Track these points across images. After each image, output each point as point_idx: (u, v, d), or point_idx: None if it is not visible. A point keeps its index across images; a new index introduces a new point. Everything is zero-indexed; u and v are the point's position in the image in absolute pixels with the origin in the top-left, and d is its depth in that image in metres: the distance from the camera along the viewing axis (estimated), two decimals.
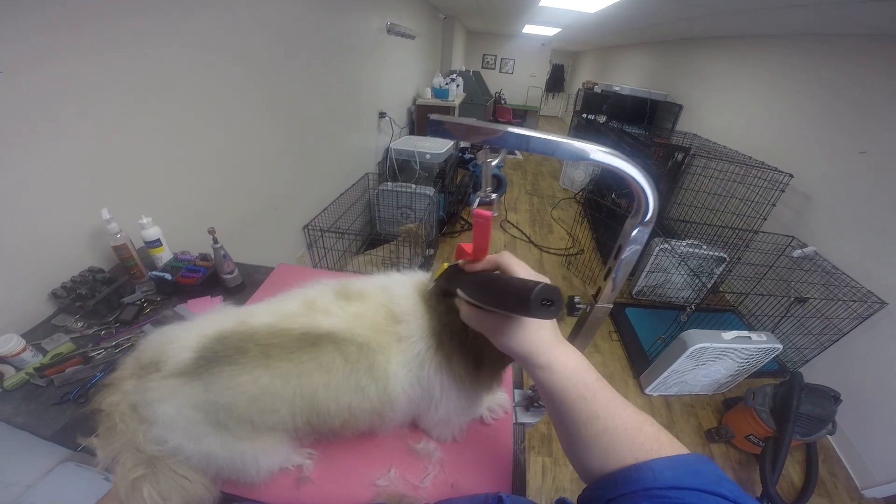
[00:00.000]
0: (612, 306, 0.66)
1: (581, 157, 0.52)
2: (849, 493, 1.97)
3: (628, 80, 6.43)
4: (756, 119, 3.44)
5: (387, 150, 3.76)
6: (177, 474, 0.60)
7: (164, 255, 1.30)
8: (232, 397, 0.58)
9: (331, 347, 0.60)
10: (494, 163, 0.59)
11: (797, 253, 2.53)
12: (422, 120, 4.72)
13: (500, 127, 0.52)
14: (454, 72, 5.85)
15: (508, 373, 0.98)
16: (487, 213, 0.57)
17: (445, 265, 0.61)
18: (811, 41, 2.93)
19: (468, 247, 0.67)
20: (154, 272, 1.22)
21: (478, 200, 0.60)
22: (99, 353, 1.02)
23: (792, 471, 2.01)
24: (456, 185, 4.26)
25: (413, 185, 3.28)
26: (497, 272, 0.53)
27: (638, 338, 2.62)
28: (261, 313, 0.65)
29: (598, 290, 0.66)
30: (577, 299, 0.67)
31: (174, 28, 1.39)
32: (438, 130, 0.53)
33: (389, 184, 3.34)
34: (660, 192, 2.81)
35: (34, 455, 1.15)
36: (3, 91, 0.97)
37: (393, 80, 4.08)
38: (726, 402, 2.29)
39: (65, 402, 0.91)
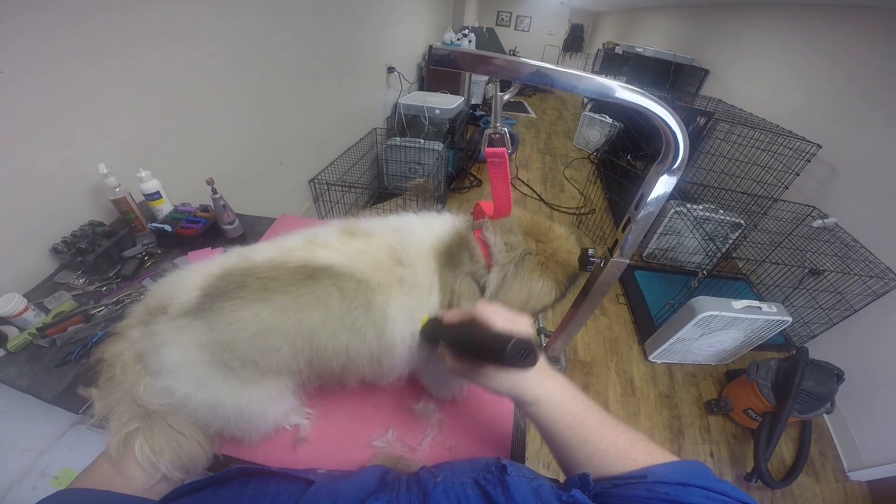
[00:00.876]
0: (627, 262, 0.61)
1: (603, 94, 0.48)
2: (835, 474, 1.96)
3: (652, 42, 6.20)
4: (786, 88, 3.31)
5: (395, 106, 3.68)
6: (172, 429, 0.58)
7: (164, 207, 1.29)
8: (234, 334, 0.56)
9: (328, 281, 0.58)
10: (506, 97, 0.55)
11: (817, 223, 2.44)
12: (432, 75, 4.56)
13: (513, 58, 0.47)
14: (466, 28, 5.61)
15: None
16: (500, 150, 0.53)
17: (426, 317, 0.61)
18: (850, 12, 2.78)
19: (487, 206, 0.66)
20: (154, 224, 1.20)
21: (486, 139, 0.56)
22: (100, 311, 1.01)
23: (784, 448, 2.00)
24: (466, 142, 4.18)
25: (422, 141, 3.22)
26: (473, 322, 0.53)
27: (646, 302, 2.58)
28: (263, 249, 0.64)
29: (615, 244, 0.61)
30: (590, 252, 0.63)
31: None
32: (443, 61, 0.48)
33: (398, 139, 3.27)
34: None
35: (46, 419, 1.15)
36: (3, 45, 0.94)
37: (402, 35, 3.96)
38: (728, 374, 2.27)
39: (67, 362, 0.90)
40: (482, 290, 0.64)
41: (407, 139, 3.25)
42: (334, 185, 2.50)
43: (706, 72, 4.44)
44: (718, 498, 0.40)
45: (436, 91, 4.07)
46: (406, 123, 3.57)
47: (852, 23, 2.77)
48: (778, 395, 1.78)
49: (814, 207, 2.54)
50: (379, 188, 3.38)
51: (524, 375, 0.52)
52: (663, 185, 0.53)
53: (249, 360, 0.57)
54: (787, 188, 2.69)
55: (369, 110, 3.46)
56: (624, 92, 0.47)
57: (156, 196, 1.26)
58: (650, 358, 2.28)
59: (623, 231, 0.59)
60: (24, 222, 1.07)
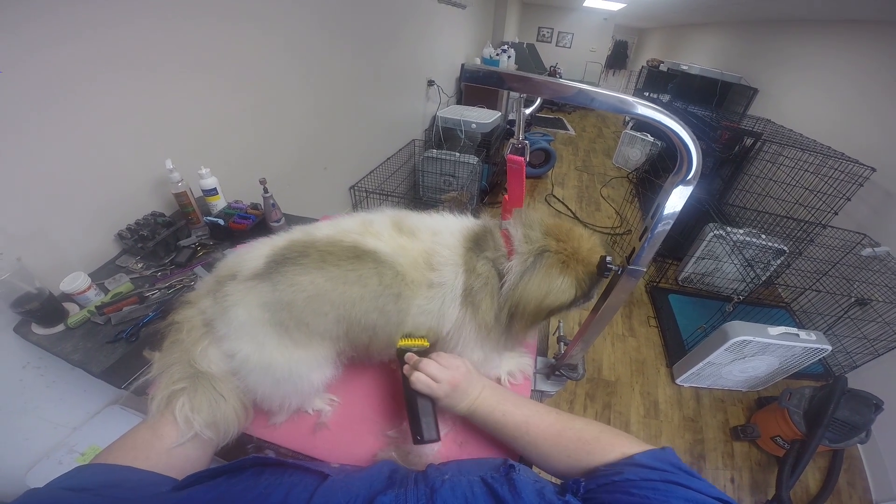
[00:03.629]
0: (644, 269, 0.63)
1: (619, 109, 0.53)
2: None
3: (698, 60, 6.09)
4: (839, 107, 3.19)
5: (434, 118, 3.76)
6: (215, 391, 0.64)
7: (219, 203, 1.39)
8: (293, 294, 0.63)
9: (371, 265, 0.66)
10: (528, 112, 0.60)
11: (867, 252, 2.32)
12: (470, 89, 4.61)
13: (531, 76, 0.52)
14: (506, 43, 5.67)
15: (533, 339, 0.97)
16: (519, 158, 0.59)
17: (402, 343, 0.71)
18: None
19: (507, 198, 0.77)
20: (209, 217, 1.31)
21: (510, 147, 0.65)
22: (154, 294, 1.09)
23: (810, 477, 1.92)
24: (501, 156, 4.20)
25: (457, 154, 3.28)
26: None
27: (677, 325, 2.52)
28: (324, 227, 0.73)
29: (633, 251, 0.63)
30: (608, 259, 0.66)
31: None
32: (474, 77, 0.55)
33: (434, 151, 3.35)
34: (721, 177, 2.65)
35: (86, 396, 1.22)
36: (88, 48, 1.05)
37: (442, 49, 4.05)
38: (759, 401, 2.19)
39: (118, 340, 0.97)
40: (500, 277, 0.69)
41: (443, 152, 3.31)
42: (372, 193, 2.58)
43: (755, 91, 4.30)
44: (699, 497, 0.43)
45: (473, 105, 4.12)
46: (443, 136, 3.64)
47: None
48: (809, 423, 1.71)
49: (864, 235, 2.43)
50: (415, 198, 3.46)
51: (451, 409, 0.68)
52: (678, 195, 0.56)
53: (302, 321, 0.64)
54: (836, 213, 2.57)
55: (409, 122, 3.56)
56: (640, 107, 0.51)
57: (213, 192, 1.37)
58: (678, 381, 2.23)
59: (640, 240, 0.62)
60: (95, 208, 1.17)
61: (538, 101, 0.59)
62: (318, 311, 0.65)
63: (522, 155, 0.70)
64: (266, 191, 1.29)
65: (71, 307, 1.05)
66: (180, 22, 1.28)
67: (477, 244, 0.71)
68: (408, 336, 0.71)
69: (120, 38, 1.12)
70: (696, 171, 0.54)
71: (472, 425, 0.76)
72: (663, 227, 0.59)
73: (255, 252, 0.69)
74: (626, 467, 0.50)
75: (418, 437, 0.64)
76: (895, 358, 2.08)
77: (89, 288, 1.04)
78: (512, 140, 0.67)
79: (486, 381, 0.71)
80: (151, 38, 1.21)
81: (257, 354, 0.64)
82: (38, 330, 1.00)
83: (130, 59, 1.16)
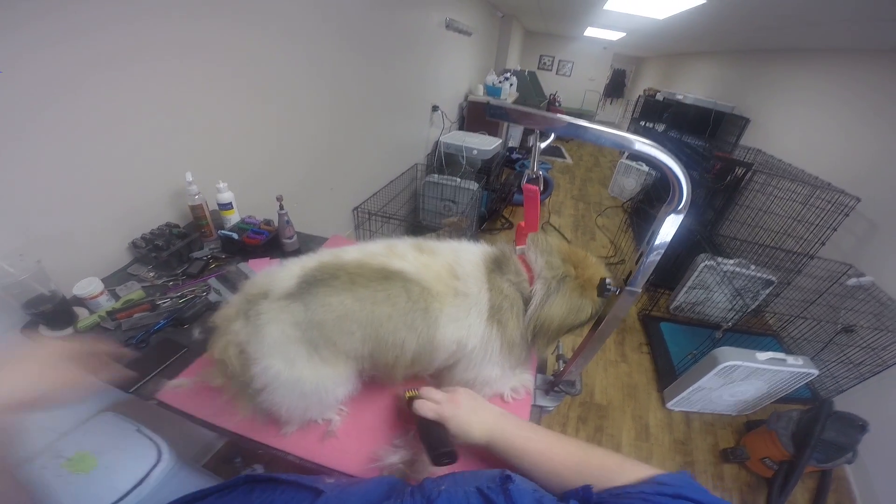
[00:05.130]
0: (639, 291, 0.70)
1: (622, 146, 0.60)
2: None
3: (693, 89, 6.21)
4: (827, 137, 3.27)
5: (436, 143, 3.85)
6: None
7: (233, 217, 1.43)
8: (323, 314, 0.68)
9: (399, 284, 0.71)
10: (543, 145, 0.72)
11: (852, 282, 2.41)
12: (472, 116, 4.75)
13: (548, 115, 0.60)
14: (508, 71, 5.85)
15: (534, 357, 1.03)
16: (534, 187, 0.72)
17: (407, 395, 0.78)
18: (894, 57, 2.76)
19: (522, 224, 0.85)
20: (223, 231, 1.34)
21: (525, 177, 0.73)
22: (165, 303, 1.11)
23: (799, 497, 1.95)
24: (500, 184, 4.28)
25: (458, 179, 3.35)
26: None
27: (668, 352, 2.58)
28: (351, 251, 0.78)
29: (629, 274, 0.71)
30: (608, 281, 0.73)
31: (256, 9, 1.50)
32: (497, 114, 0.63)
33: (436, 176, 3.41)
34: (713, 208, 2.74)
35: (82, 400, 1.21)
36: (121, 64, 1.10)
37: (447, 75, 4.15)
38: (748, 425, 2.24)
39: (127, 345, 0.98)
40: (525, 301, 0.78)
41: (444, 177, 3.38)
42: (375, 216, 2.65)
43: (747, 121, 4.42)
44: None
45: (475, 131, 4.22)
46: (444, 161, 3.73)
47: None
48: (797, 444, 1.77)
49: (850, 266, 2.51)
50: (415, 222, 3.52)
51: (472, 431, 0.69)
52: (671, 223, 0.64)
53: (330, 340, 0.69)
54: (823, 244, 2.66)
55: (413, 146, 3.64)
56: (640, 145, 0.59)
57: (228, 206, 1.40)
58: (668, 405, 2.27)
59: (637, 263, 0.69)
60: (113, 215, 1.20)
61: (552, 135, 0.68)
62: (346, 331, 0.69)
63: (537, 184, 0.78)
64: (282, 207, 1.32)
65: (80, 311, 1.06)
66: (216, 34, 1.36)
67: (497, 267, 0.79)
68: (410, 389, 0.78)
69: (155, 47, 1.17)
70: (686, 201, 0.62)
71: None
72: (657, 253, 0.66)
73: (286, 272, 0.73)
74: (644, 484, 0.53)
75: (433, 453, 0.66)
76: (880, 381, 2.15)
77: (102, 293, 1.06)
78: (527, 171, 0.74)
79: (495, 407, 0.74)
80: (187, 52, 1.27)
81: (288, 371, 0.69)
82: (45, 332, 1.00)
83: (157, 76, 1.21)
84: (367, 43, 2.37)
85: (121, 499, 0.97)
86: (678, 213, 0.63)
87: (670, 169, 0.60)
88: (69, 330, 1.01)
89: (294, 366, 0.69)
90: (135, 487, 1.01)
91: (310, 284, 0.69)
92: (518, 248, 0.85)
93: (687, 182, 0.61)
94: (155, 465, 1.07)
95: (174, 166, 1.33)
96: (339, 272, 0.71)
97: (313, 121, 2.05)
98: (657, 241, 0.65)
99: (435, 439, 0.67)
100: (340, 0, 2.00)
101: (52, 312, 0.98)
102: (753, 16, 3.01)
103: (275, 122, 1.78)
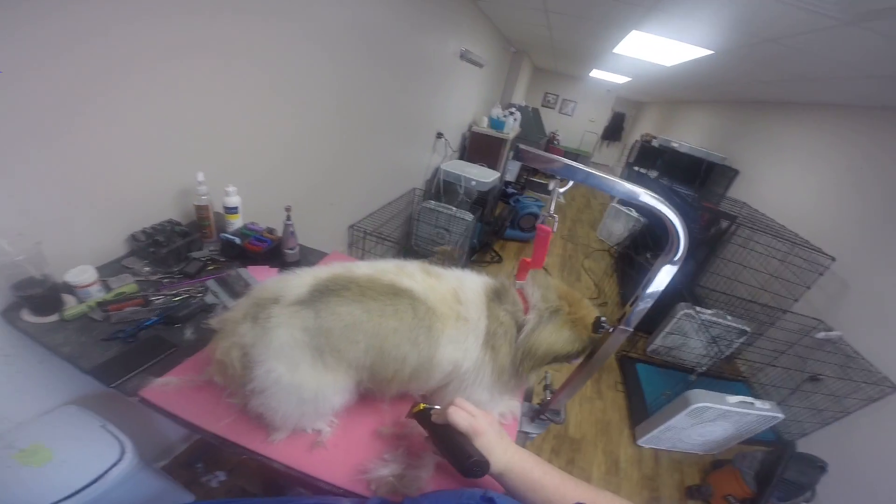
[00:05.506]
0: (631, 330, 0.78)
1: (632, 198, 0.67)
2: None
3: (689, 136, 6.32)
4: (808, 193, 3.37)
5: (436, 170, 3.90)
6: None
7: (237, 222, 1.44)
8: (332, 322, 0.72)
9: (407, 301, 0.76)
10: (562, 191, 0.81)
11: (821, 335, 2.52)
12: (474, 146, 4.88)
13: (573, 163, 0.68)
14: (514, 105, 6.00)
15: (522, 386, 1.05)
16: (548, 228, 0.81)
17: (421, 406, 0.78)
18: (880, 114, 2.85)
19: (527, 260, 0.94)
20: (225, 234, 1.34)
21: (541, 218, 0.78)
22: (158, 299, 1.09)
23: None
24: (494, 217, 4.34)
25: (454, 209, 3.39)
26: (448, 427, 0.70)
27: (642, 391, 2.65)
28: (363, 266, 0.83)
29: (623, 315, 0.78)
30: (603, 320, 0.82)
31: (283, 16, 1.55)
32: (523, 157, 0.70)
33: (433, 202, 3.46)
34: (696, 259, 2.82)
35: (44, 392, 1.15)
36: (142, 43, 1.10)
37: (455, 104, 4.23)
38: (714, 464, 2.32)
39: (114, 338, 0.95)
40: (518, 328, 0.83)
41: (441, 205, 3.42)
42: (370, 235, 2.70)
43: (736, 172, 4.52)
44: None
45: (475, 162, 4.29)
46: (443, 188, 3.79)
47: (880, 125, 2.82)
48: (759, 483, 1.85)
49: (820, 321, 2.62)
50: (407, 246, 3.55)
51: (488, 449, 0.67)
52: (666, 272, 0.71)
53: (336, 348, 0.72)
54: (796, 300, 2.76)
55: (413, 170, 3.69)
56: (646, 197, 0.67)
57: (234, 211, 1.41)
58: (639, 442, 2.34)
59: (631, 306, 0.77)
60: (116, 205, 1.18)
61: (570, 183, 0.75)
62: (352, 340, 0.72)
63: (551, 227, 0.86)
64: (289, 218, 1.34)
65: (68, 299, 1.02)
66: (243, 38, 1.40)
67: (497, 297, 0.85)
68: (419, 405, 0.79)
69: (175, 39, 1.17)
70: (683, 254, 0.69)
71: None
72: (650, 298, 0.74)
73: (298, 280, 0.77)
74: None
75: (469, 464, 0.62)
76: (840, 426, 2.28)
77: (94, 283, 1.03)
78: (544, 212, 0.81)
79: (509, 438, 0.74)
80: (211, 52, 1.29)
81: (289, 375, 0.71)
82: (28, 317, 0.96)
83: (183, 65, 1.23)
84: (384, 63, 2.43)
85: (71, 495, 0.94)
86: (674, 263, 0.70)
87: (672, 223, 0.67)
88: (54, 317, 0.97)
89: (297, 370, 0.72)
90: (89, 485, 0.97)
91: (321, 293, 0.73)
92: (518, 282, 0.91)
93: (686, 237, 0.68)
94: (115, 464, 1.03)
95: (184, 164, 1.34)
96: (350, 284, 0.75)
97: (324, 134, 2.10)
98: (651, 289, 0.72)
99: (463, 449, 0.65)
100: (365, 18, 2.07)
101: (41, 297, 0.95)
102: (757, 70, 3.10)
103: (287, 132, 1.82)
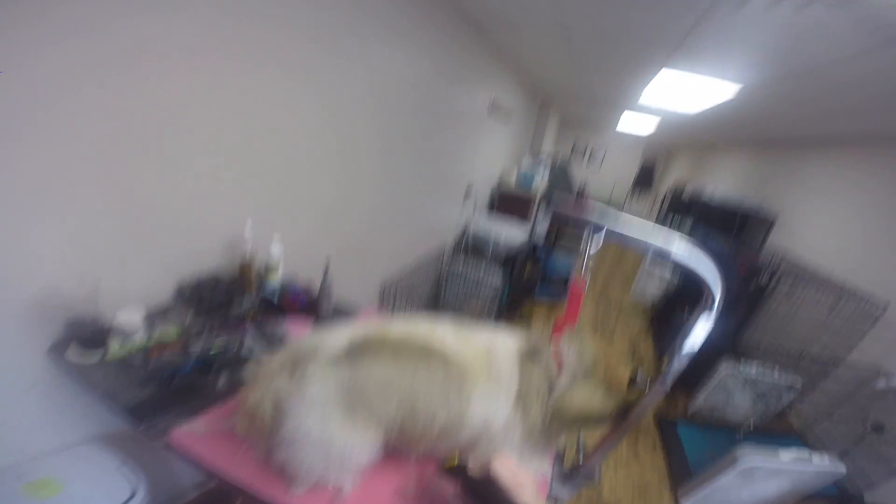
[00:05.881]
0: (668, 388, 0.79)
1: (664, 256, 0.72)
2: None
3: (722, 181, 6.19)
4: (854, 237, 3.22)
5: (466, 226, 3.94)
6: None
7: (276, 281, 1.48)
8: (366, 380, 0.74)
9: (439, 363, 0.78)
10: (594, 250, 0.84)
11: (881, 384, 2.35)
12: (502, 204, 4.97)
13: (605, 223, 0.73)
14: (542, 154, 6.00)
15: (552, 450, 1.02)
16: (581, 286, 0.84)
17: (455, 460, 0.78)
18: None
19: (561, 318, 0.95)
20: (264, 295, 1.42)
21: (573, 276, 0.83)
22: (196, 347, 1.12)
23: None
24: (523, 279, 4.21)
25: (481, 273, 3.33)
26: (489, 480, 0.70)
27: (684, 451, 2.49)
28: (397, 325, 0.85)
29: (660, 372, 0.79)
30: (639, 373, 0.83)
31: (336, 74, 1.67)
32: (563, 219, 0.81)
33: (460, 265, 3.41)
34: (738, 313, 2.69)
35: (69, 430, 1.17)
36: (204, 101, 1.22)
37: (483, 157, 4.31)
38: None
39: (150, 383, 0.98)
40: (551, 388, 0.83)
41: (469, 268, 3.37)
42: (400, 293, 2.70)
43: (773, 219, 4.32)
44: None
45: (504, 214, 4.35)
46: (472, 246, 3.80)
47: None
48: None
49: (878, 371, 2.43)
50: (436, 305, 3.51)
51: None
52: (702, 326, 0.71)
53: (367, 404, 0.74)
54: (851, 349, 2.58)
55: (443, 226, 3.72)
56: (678, 255, 0.70)
57: (275, 265, 1.46)
58: None
59: (667, 363, 0.77)
60: (168, 251, 1.26)
61: (601, 241, 0.80)
62: (384, 397, 0.75)
63: (585, 283, 0.89)
64: (326, 275, 1.39)
65: (113, 340, 1.06)
66: (296, 93, 1.51)
67: (530, 356, 0.85)
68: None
69: (235, 94, 1.28)
70: (718, 307, 0.70)
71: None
72: (688, 354, 0.74)
73: (335, 337, 0.79)
74: None
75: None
76: None
77: (140, 326, 1.08)
78: (578, 275, 0.85)
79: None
80: (264, 106, 1.39)
81: (319, 429, 0.73)
82: (73, 355, 1.00)
83: (240, 121, 1.33)
84: (419, 117, 2.52)
85: None
86: (709, 318, 0.71)
87: (706, 280, 0.70)
88: (97, 357, 1.01)
89: (327, 425, 0.73)
90: None
91: (357, 352, 0.76)
92: (555, 342, 0.91)
93: (721, 289, 0.70)
94: None
95: (233, 215, 1.42)
96: (384, 344, 0.78)
97: (364, 189, 2.18)
98: (688, 344, 0.73)
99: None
100: (406, 74, 2.18)
101: (90, 336, 1.00)
102: (778, 105, 3.05)
103: (331, 187, 1.90)
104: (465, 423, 0.78)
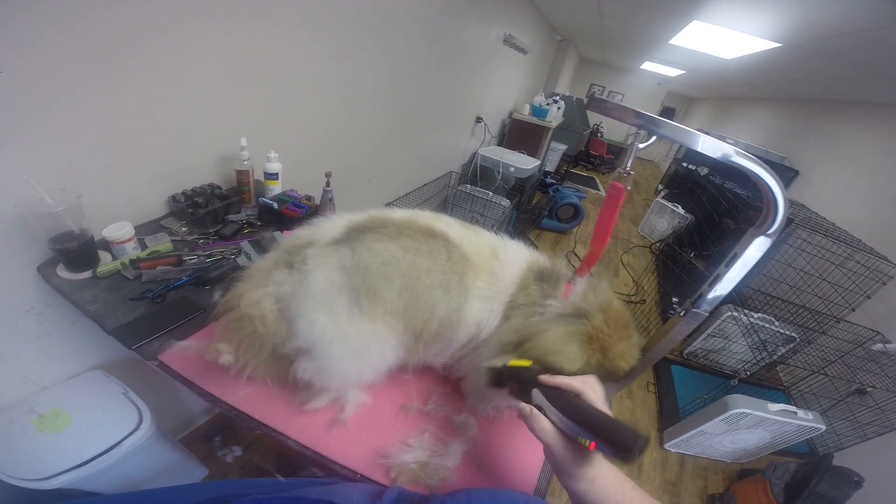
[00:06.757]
0: (707, 314, 0.68)
1: (724, 157, 0.58)
2: None
3: (744, 134, 6.06)
4: (875, 197, 3.16)
5: (474, 154, 3.86)
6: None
7: (276, 188, 1.44)
8: (369, 259, 0.68)
9: (442, 243, 0.73)
10: (643, 146, 0.68)
11: (877, 347, 2.35)
12: (514, 133, 4.80)
13: (650, 115, 0.61)
14: (557, 94, 5.83)
15: None
16: (622, 186, 0.69)
17: (527, 363, 0.63)
18: None
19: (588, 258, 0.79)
20: (264, 199, 1.35)
21: (616, 174, 0.70)
22: (191, 259, 1.08)
23: None
24: (532, 206, 4.23)
25: (490, 194, 3.33)
26: (579, 397, 0.56)
27: (675, 394, 2.53)
28: (400, 211, 0.80)
29: (699, 296, 0.69)
30: (675, 300, 0.72)
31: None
32: (599, 108, 0.65)
33: (468, 186, 3.43)
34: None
35: (72, 355, 1.15)
36: (192, 22, 1.12)
37: (495, 89, 4.17)
38: (741, 473, 2.22)
39: (143, 298, 0.93)
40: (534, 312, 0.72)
41: (477, 189, 3.38)
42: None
43: (795, 173, 4.29)
44: None
45: (514, 149, 4.21)
46: (479, 174, 3.74)
47: None
48: (788, 496, 1.76)
49: (877, 332, 2.42)
50: None
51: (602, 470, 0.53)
52: (757, 247, 0.61)
53: (372, 288, 0.68)
54: (853, 310, 2.55)
55: (451, 153, 3.67)
56: (737, 157, 0.57)
57: (274, 177, 1.42)
58: (666, 446, 2.26)
59: (709, 286, 0.67)
60: (160, 166, 1.20)
61: (653, 138, 0.65)
62: (388, 277, 0.68)
63: (625, 184, 0.71)
64: (328, 184, 1.34)
65: (104, 256, 1.01)
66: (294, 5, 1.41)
67: (539, 274, 0.76)
68: (512, 359, 0.66)
69: (230, 8, 1.20)
70: (781, 224, 0.59)
71: (494, 449, 0.76)
72: (736, 277, 0.63)
73: (332, 223, 0.74)
74: None
75: (633, 439, 0.46)
76: (881, 441, 2.15)
77: (131, 239, 1.02)
78: (619, 168, 0.70)
79: None
80: (262, 17, 1.31)
81: (332, 325, 0.67)
82: (63, 273, 0.95)
83: (235, 27, 1.24)
84: (429, 45, 2.43)
85: (83, 463, 0.94)
86: (769, 236, 0.60)
87: (766, 183, 0.57)
88: (88, 273, 0.96)
89: (338, 319, 0.67)
90: (102, 454, 0.96)
91: (358, 232, 0.71)
92: (575, 275, 0.78)
93: (785, 200, 0.58)
94: (130, 434, 1.02)
95: (228, 130, 1.36)
96: (387, 223, 0.73)
97: (368, 111, 2.11)
98: (736, 267, 0.62)
99: (610, 421, 0.50)
100: (417, 3, 2.08)
101: (76, 251, 0.94)
102: (829, 65, 2.86)
103: (333, 105, 1.84)
104: (462, 320, 0.72)
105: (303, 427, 0.74)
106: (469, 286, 0.72)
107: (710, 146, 0.58)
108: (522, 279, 0.75)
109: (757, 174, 0.56)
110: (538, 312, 0.71)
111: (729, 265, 0.63)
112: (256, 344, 0.71)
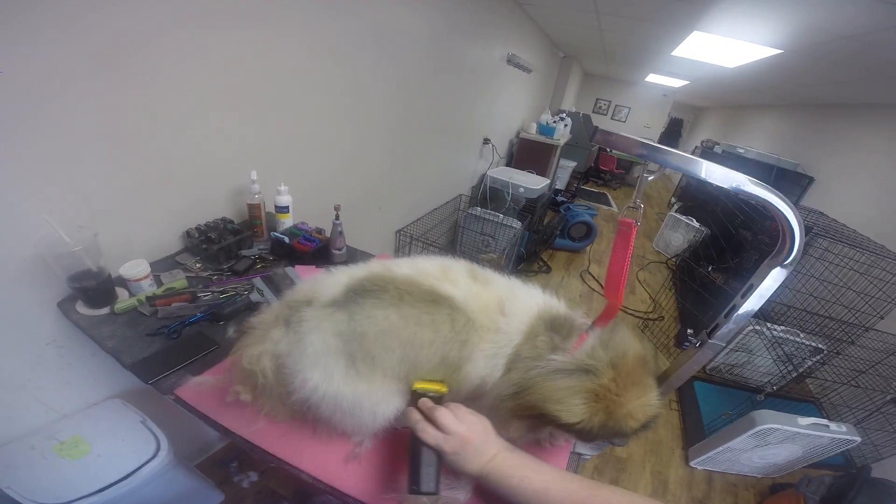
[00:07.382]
0: (724, 346, 0.66)
1: (733, 187, 0.57)
2: None
3: (755, 142, 5.96)
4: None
5: (483, 176, 3.86)
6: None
7: (287, 221, 1.45)
8: (367, 326, 0.66)
9: (447, 311, 0.68)
10: (651, 178, 0.67)
11: None
12: (522, 153, 4.79)
13: (663, 147, 0.59)
14: (563, 111, 5.86)
15: None
16: (631, 221, 0.67)
17: (419, 385, 0.70)
18: None
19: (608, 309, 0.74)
20: (276, 233, 1.37)
21: (625, 209, 0.67)
22: (206, 296, 1.10)
23: None
24: (543, 226, 4.21)
25: (500, 216, 3.30)
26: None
27: (699, 410, 2.46)
28: (403, 266, 0.76)
29: (715, 327, 0.66)
30: (689, 332, 0.70)
31: (346, 20, 1.61)
32: (604, 140, 0.62)
33: (478, 209, 3.40)
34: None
35: (92, 385, 1.18)
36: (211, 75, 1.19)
37: (502, 110, 4.18)
38: (773, 488, 2.14)
39: (159, 334, 0.95)
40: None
41: (487, 212, 3.35)
42: (416, 240, 2.70)
43: (811, 179, 4.19)
44: None
45: (523, 169, 4.20)
46: (489, 195, 3.72)
47: None
48: None
49: None
50: (452, 253, 3.49)
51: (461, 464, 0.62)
52: (775, 277, 0.59)
53: (369, 355, 0.66)
54: (882, 318, 2.47)
55: (459, 176, 3.68)
56: (750, 186, 0.56)
57: (285, 210, 1.42)
58: (692, 463, 2.19)
59: (725, 317, 0.64)
60: (175, 202, 1.23)
61: (664, 169, 0.63)
62: (387, 346, 0.66)
63: (635, 218, 0.68)
64: (337, 217, 1.33)
65: (121, 292, 1.05)
66: (305, 37, 1.46)
67: (551, 323, 0.70)
68: (424, 379, 0.70)
69: (241, 45, 1.24)
70: (797, 255, 0.58)
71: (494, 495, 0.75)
72: (750, 307, 0.61)
73: (333, 280, 0.72)
74: None
75: (414, 487, 0.61)
76: None
77: (147, 277, 1.04)
78: (629, 203, 0.67)
79: (504, 443, 0.66)
80: (272, 54, 1.35)
81: (326, 384, 0.66)
82: (82, 309, 0.98)
83: (248, 75, 1.29)
84: (436, 69, 2.46)
85: (102, 489, 0.95)
86: (785, 266, 0.58)
87: (782, 214, 0.56)
88: (106, 309, 0.99)
89: (332, 379, 0.67)
90: (120, 480, 0.99)
91: (357, 294, 0.69)
92: (592, 325, 0.72)
93: (801, 232, 0.56)
94: (148, 461, 1.04)
95: (239, 163, 1.39)
96: (388, 286, 0.69)
97: (378, 139, 2.14)
98: (752, 299, 0.60)
99: (421, 470, 0.62)
100: (422, 25, 2.13)
101: (94, 289, 0.97)
102: (834, 69, 2.84)
103: (342, 134, 1.87)
104: (465, 380, 0.70)
105: (316, 460, 0.75)
106: (472, 351, 0.69)
107: (719, 176, 0.56)
108: (530, 329, 0.70)
109: (772, 203, 0.56)
110: (539, 367, 0.66)
111: (745, 296, 0.61)
112: (266, 391, 0.74)
